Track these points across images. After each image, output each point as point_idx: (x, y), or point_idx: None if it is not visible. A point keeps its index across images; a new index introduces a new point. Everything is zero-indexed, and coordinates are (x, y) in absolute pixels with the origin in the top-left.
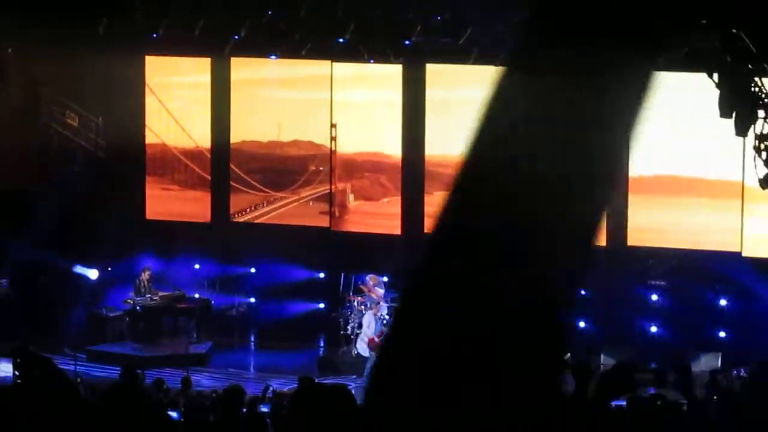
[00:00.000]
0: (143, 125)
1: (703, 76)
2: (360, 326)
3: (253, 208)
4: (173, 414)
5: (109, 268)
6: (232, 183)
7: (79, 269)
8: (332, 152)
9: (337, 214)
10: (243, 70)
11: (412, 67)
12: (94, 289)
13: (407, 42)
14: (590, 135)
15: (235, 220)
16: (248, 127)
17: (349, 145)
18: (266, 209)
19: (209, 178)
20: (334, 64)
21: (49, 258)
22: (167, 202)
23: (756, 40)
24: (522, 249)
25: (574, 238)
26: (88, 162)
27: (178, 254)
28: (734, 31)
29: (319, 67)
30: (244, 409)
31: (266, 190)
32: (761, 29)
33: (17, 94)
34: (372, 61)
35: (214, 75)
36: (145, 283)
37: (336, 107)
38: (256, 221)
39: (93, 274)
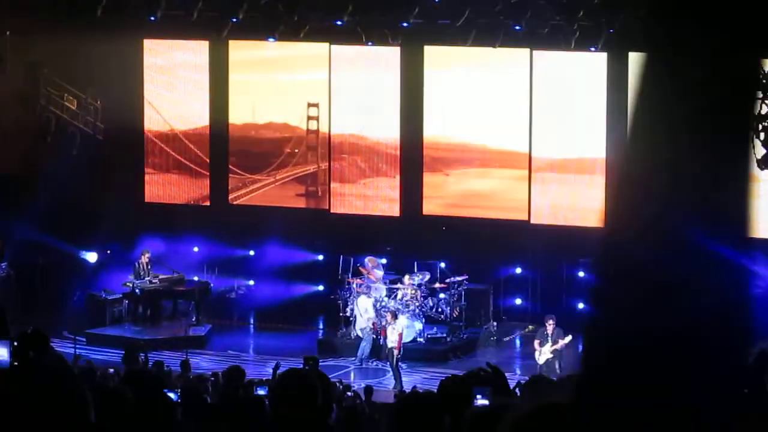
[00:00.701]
0: (141, 108)
1: None
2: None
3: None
4: (172, 395)
5: (108, 251)
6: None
7: (78, 252)
8: (322, 133)
9: (319, 194)
10: (233, 53)
11: (410, 48)
12: (93, 272)
13: (405, 24)
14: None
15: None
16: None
17: (326, 127)
18: (243, 191)
19: (208, 161)
20: (331, 46)
21: (49, 241)
22: (166, 185)
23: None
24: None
25: (729, 229)
26: (86, 145)
27: (177, 237)
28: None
29: (296, 48)
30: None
31: (240, 172)
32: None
33: (16, 78)
34: (370, 43)
35: (213, 58)
36: (145, 266)
37: (317, 89)
38: (235, 203)
39: (92, 257)
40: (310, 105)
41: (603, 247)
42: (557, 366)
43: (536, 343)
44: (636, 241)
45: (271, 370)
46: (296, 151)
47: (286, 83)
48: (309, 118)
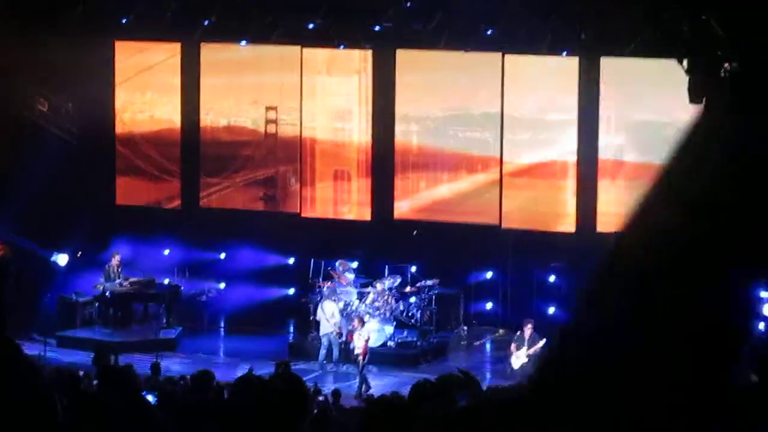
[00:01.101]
0: (113, 111)
1: (673, 62)
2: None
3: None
4: (150, 398)
5: (79, 254)
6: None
7: (49, 254)
8: (281, 136)
9: (277, 197)
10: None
11: (382, 52)
12: (64, 275)
13: (377, 27)
14: None
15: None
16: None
17: (284, 130)
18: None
19: (179, 164)
20: (303, 48)
21: (19, 243)
22: (137, 188)
23: (725, 25)
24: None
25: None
26: (57, 147)
27: (147, 240)
28: (704, 17)
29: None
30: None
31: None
32: (730, 14)
33: None
34: (342, 46)
35: (185, 61)
36: (115, 269)
37: (288, 91)
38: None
39: (63, 259)
40: (268, 108)
41: (612, 250)
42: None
43: (512, 346)
44: (649, 250)
45: (240, 374)
46: (254, 155)
47: (254, 86)
48: (268, 121)
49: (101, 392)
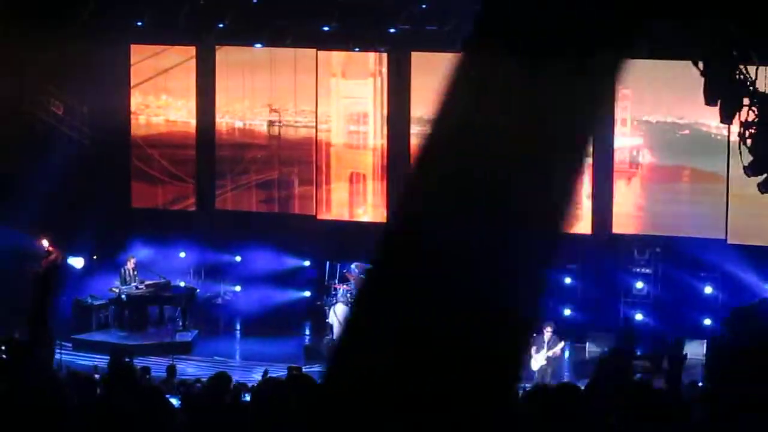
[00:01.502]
0: (128, 113)
1: (689, 63)
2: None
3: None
4: (174, 401)
5: (95, 257)
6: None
7: (64, 257)
8: (286, 138)
9: (285, 198)
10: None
11: (397, 54)
12: (80, 278)
13: (392, 30)
14: (552, 121)
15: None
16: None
17: (303, 132)
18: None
19: (194, 166)
20: (318, 51)
21: (34, 246)
22: (153, 190)
23: (741, 27)
24: (485, 239)
25: (538, 226)
26: (72, 150)
27: (163, 243)
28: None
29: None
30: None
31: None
32: (745, 16)
33: (0, 82)
34: (357, 49)
35: (200, 63)
36: (131, 272)
37: (302, 94)
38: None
39: (78, 262)
40: (282, 111)
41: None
42: (549, 373)
43: (532, 349)
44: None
45: (255, 376)
46: (268, 157)
47: (269, 88)
48: (282, 124)
49: (113, 394)
